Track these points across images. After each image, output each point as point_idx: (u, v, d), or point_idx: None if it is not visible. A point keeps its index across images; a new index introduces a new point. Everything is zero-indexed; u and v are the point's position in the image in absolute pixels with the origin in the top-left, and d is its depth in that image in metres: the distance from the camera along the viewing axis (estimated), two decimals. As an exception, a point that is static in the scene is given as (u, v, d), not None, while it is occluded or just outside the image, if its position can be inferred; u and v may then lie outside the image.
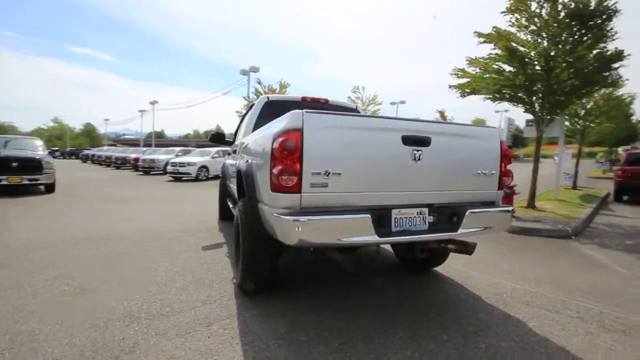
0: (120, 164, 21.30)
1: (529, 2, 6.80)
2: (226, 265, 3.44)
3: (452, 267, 3.41)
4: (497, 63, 7.19)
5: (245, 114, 4.92)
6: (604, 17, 5.72)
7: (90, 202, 7.48)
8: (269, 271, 2.41)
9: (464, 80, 8.42)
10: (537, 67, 6.45)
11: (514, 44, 6.69)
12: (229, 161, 4.69)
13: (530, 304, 2.67)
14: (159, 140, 56.61)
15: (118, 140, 71.05)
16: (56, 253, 3.72)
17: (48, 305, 2.47)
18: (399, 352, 1.91)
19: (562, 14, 6.31)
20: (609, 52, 5.90)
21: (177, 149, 18.60)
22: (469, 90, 7.82)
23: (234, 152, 4.33)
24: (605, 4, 5.64)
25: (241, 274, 2.50)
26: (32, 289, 2.72)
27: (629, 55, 5.82)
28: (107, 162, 23.36)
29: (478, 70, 8.07)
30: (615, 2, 5.61)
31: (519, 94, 6.95)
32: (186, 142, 61.47)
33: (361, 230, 1.86)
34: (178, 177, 13.66)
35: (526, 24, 6.86)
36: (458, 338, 2.09)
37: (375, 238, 1.90)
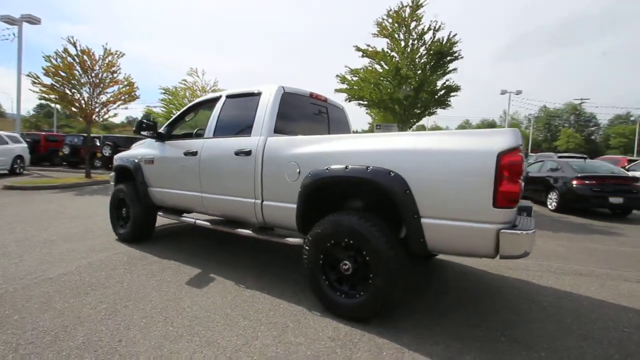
0: None
1: (393, 32, 8.65)
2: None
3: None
4: (379, 78, 8.71)
5: (205, 102, 3.85)
6: (452, 57, 8.18)
7: None
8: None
9: (344, 85, 9.71)
10: (407, 87, 8.35)
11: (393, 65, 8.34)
12: (190, 161, 3.53)
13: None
14: None
15: None
16: None
17: None
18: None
19: (422, 49, 8.46)
20: (452, 84, 8.51)
21: None
22: (356, 97, 9.11)
23: (191, 153, 3.48)
24: (454, 49, 8.08)
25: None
26: None
27: (460, 89, 8.63)
28: None
29: (355, 78, 9.50)
30: (460, 50, 8.17)
31: (393, 105, 8.75)
32: None
33: None
34: None
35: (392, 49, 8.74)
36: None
37: None
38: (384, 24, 8.81)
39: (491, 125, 74.80)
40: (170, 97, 17.90)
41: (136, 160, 4.16)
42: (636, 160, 9.96)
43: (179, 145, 3.73)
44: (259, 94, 3.24)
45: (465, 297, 3.00)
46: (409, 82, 8.01)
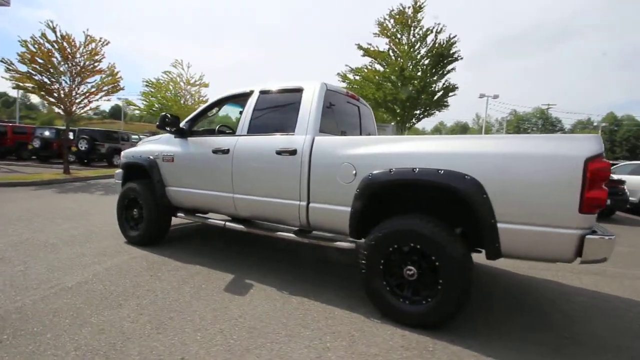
0: None
1: (396, 32, 8.69)
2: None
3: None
4: (382, 78, 8.72)
5: (234, 97, 3.64)
6: (452, 58, 8.32)
7: None
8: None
9: (344, 84, 9.66)
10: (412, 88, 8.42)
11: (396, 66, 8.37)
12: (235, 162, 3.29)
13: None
14: None
15: None
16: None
17: None
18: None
19: (424, 50, 8.55)
20: (450, 85, 8.65)
21: None
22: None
23: (222, 151, 3.26)
24: (454, 50, 8.21)
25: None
26: None
27: (457, 88, 8.79)
28: None
29: (357, 77, 9.48)
30: (459, 50, 8.31)
31: (394, 106, 8.80)
32: None
33: None
34: None
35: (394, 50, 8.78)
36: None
37: None
38: (385, 24, 8.82)
39: (464, 127, 77.38)
40: (153, 90, 17.08)
41: (151, 157, 3.86)
42: (616, 163, 10.61)
43: (205, 143, 3.49)
44: (300, 90, 3.08)
45: (510, 299, 3.01)
46: (412, 83, 8.06)
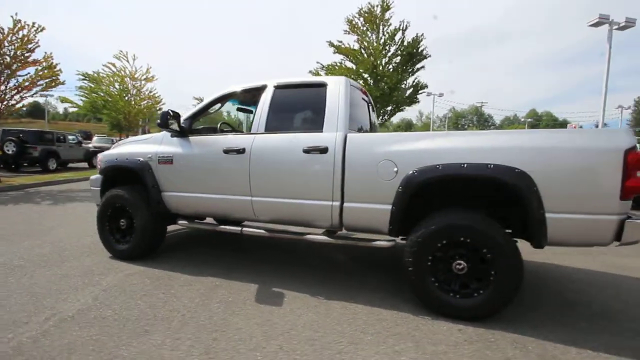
0: None
1: (366, 30, 8.84)
2: None
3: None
4: (355, 75, 8.79)
5: (242, 92, 3.37)
6: (421, 56, 8.68)
7: None
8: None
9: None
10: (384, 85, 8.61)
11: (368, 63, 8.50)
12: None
13: None
14: None
15: None
16: None
17: None
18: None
19: (393, 49, 8.82)
20: (420, 82, 9.03)
21: None
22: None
23: (235, 151, 2.99)
24: (422, 49, 8.58)
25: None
26: None
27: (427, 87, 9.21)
28: None
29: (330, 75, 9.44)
30: (426, 47, 8.70)
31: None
32: None
33: None
34: None
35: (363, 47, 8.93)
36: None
37: None
38: (354, 22, 8.89)
39: (409, 124, 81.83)
40: (92, 85, 15.27)
41: (142, 160, 3.41)
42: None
43: (213, 142, 3.17)
44: (323, 85, 2.94)
45: (542, 288, 3.07)
46: (385, 81, 8.25)
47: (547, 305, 2.69)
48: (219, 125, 3.57)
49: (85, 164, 15.79)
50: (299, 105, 3.07)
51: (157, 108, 17.07)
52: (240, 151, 2.99)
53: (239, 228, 3.14)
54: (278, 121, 3.03)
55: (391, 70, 8.66)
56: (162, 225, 3.57)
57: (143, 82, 16.82)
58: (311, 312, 2.48)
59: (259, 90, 3.19)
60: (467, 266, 2.36)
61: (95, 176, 3.84)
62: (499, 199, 2.50)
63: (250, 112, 4.26)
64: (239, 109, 4.11)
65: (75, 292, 2.72)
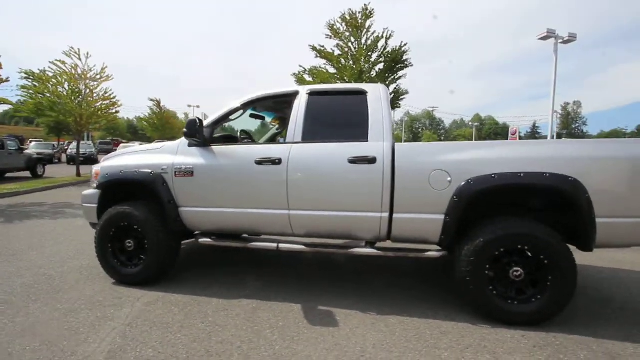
0: None
1: (350, 36, 8.94)
2: None
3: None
4: (339, 79, 8.82)
5: (271, 98, 3.16)
6: (404, 65, 8.94)
7: None
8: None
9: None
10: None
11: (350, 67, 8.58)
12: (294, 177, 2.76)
13: None
14: None
15: None
16: None
17: None
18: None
19: (375, 55, 9.00)
20: (402, 89, 9.29)
21: None
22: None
23: (271, 161, 2.80)
24: (405, 57, 8.84)
25: None
26: None
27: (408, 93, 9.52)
28: None
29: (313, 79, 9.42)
30: (410, 58, 8.97)
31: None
32: None
33: None
34: None
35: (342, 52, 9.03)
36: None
37: None
38: (335, 27, 8.93)
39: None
40: (37, 85, 13.53)
41: (154, 172, 3.05)
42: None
43: (242, 152, 2.92)
44: (363, 93, 2.85)
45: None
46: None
47: (581, 303, 2.84)
48: (238, 133, 3.32)
49: (27, 173, 13.99)
50: (336, 113, 2.95)
51: (114, 110, 15.61)
52: (276, 162, 2.79)
53: (274, 244, 2.93)
54: (315, 129, 2.88)
55: (374, 76, 8.82)
56: (178, 244, 3.23)
57: (95, 83, 15.31)
58: (373, 330, 2.37)
59: (291, 96, 3.01)
60: (523, 272, 2.42)
61: (90, 191, 3.36)
62: (545, 206, 2.60)
63: (263, 118, 4.05)
64: (252, 116, 3.86)
65: (94, 331, 2.33)
